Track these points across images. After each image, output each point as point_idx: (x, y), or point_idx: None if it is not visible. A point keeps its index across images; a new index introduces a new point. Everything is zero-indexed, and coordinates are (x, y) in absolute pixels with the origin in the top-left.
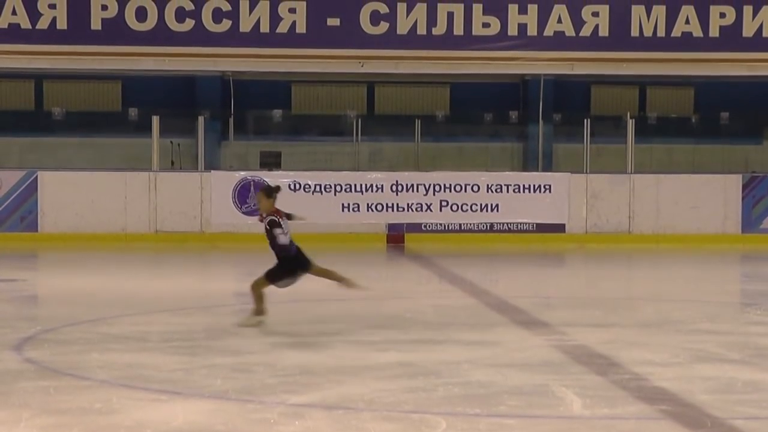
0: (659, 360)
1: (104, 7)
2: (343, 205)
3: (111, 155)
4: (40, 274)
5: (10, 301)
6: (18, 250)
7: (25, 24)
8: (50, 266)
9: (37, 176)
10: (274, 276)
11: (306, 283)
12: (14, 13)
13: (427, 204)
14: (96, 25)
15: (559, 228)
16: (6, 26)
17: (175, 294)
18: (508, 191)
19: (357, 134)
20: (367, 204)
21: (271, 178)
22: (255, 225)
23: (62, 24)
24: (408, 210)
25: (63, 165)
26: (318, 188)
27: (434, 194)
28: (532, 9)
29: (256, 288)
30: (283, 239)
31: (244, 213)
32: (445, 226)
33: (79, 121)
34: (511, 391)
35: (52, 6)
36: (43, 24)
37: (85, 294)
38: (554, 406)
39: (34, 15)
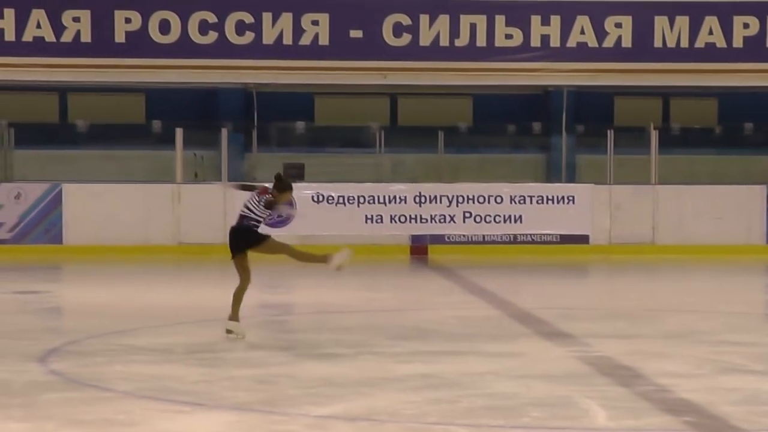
0: (683, 371)
1: (128, 20)
2: (366, 216)
3: (134, 167)
4: (65, 285)
5: (35, 313)
6: (42, 262)
7: (50, 37)
8: (74, 278)
9: (61, 189)
10: None
11: (329, 294)
12: (38, 26)
13: (450, 215)
14: (120, 37)
15: (583, 239)
16: (30, 39)
17: (198, 306)
18: (531, 202)
19: (380, 146)
20: (390, 215)
21: (294, 190)
22: (278, 236)
23: (86, 37)
24: (431, 221)
25: (87, 177)
26: (341, 200)
27: (457, 206)
28: (555, 20)
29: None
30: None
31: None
32: (468, 238)
33: (103, 133)
34: (535, 403)
35: (76, 19)
36: (67, 37)
37: (108, 306)
38: (578, 417)
39: (58, 28)
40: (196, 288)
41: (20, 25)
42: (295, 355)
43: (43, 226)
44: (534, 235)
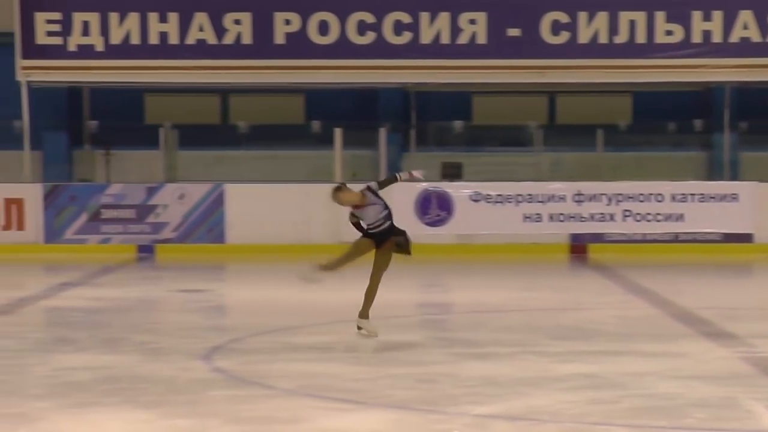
0: None
1: (287, 22)
2: (524, 215)
3: (294, 168)
4: (227, 284)
5: (199, 312)
6: (206, 262)
7: (212, 40)
8: (237, 277)
9: (223, 189)
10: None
11: (487, 293)
12: (201, 29)
13: (609, 214)
14: (279, 39)
15: (746, 238)
16: (194, 42)
17: (358, 304)
18: (692, 201)
19: (538, 144)
20: (549, 214)
21: (452, 189)
22: (436, 236)
23: (247, 39)
24: (590, 220)
25: (248, 178)
26: (499, 199)
27: (617, 204)
28: (717, 15)
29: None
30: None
31: (425, 224)
32: (628, 237)
33: (263, 134)
34: (698, 404)
35: (238, 22)
36: (228, 39)
37: (270, 304)
38: (743, 419)
39: (220, 31)
40: (356, 287)
41: (183, 29)
42: (455, 354)
43: (206, 225)
44: (696, 233)
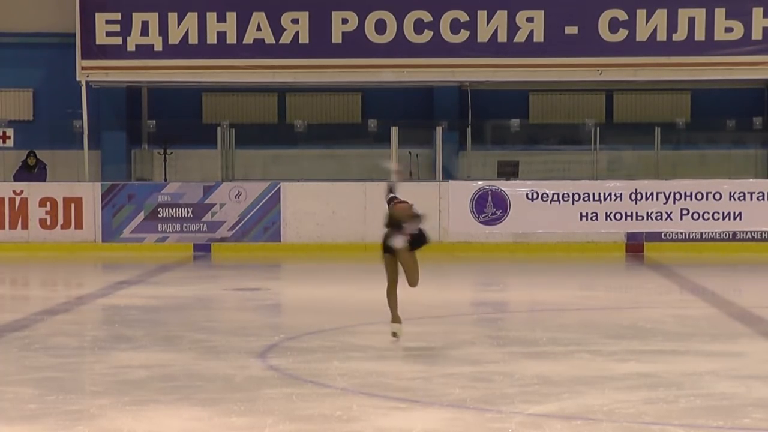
0: None
1: (345, 21)
2: (581, 214)
3: (351, 166)
4: (283, 283)
5: (255, 310)
6: (262, 260)
7: (269, 39)
8: (293, 275)
9: (279, 187)
10: None
11: (544, 292)
12: (259, 29)
13: (667, 212)
14: (337, 38)
15: None
16: (251, 42)
17: (414, 303)
18: (751, 199)
19: (595, 143)
20: (606, 213)
21: (508, 187)
22: (492, 235)
23: (304, 38)
24: (647, 219)
25: (305, 176)
26: (556, 197)
27: (674, 203)
28: None
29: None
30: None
31: (481, 222)
32: (685, 235)
33: (320, 132)
34: (756, 404)
35: (295, 21)
36: (286, 39)
37: (326, 303)
38: None
39: (277, 30)
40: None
41: (241, 28)
42: (510, 353)
43: (263, 224)
44: (754, 232)
